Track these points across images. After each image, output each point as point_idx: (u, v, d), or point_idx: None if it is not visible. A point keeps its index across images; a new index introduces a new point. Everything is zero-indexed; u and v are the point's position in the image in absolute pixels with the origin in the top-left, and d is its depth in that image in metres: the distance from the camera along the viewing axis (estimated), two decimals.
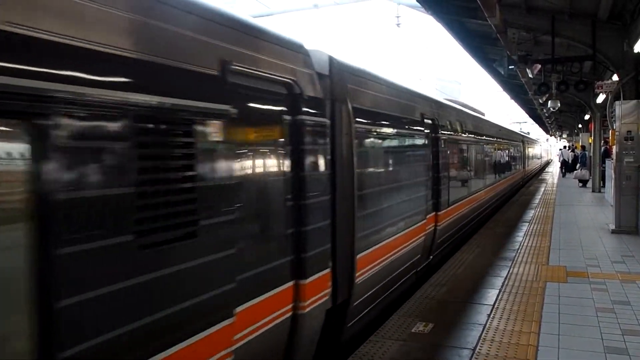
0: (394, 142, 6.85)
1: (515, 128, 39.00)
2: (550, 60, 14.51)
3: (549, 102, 18.94)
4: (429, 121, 8.45)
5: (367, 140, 5.79)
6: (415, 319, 5.77)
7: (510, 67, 15.93)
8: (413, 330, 5.41)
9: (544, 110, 30.97)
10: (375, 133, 6.00)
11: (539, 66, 15.49)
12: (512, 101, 37.18)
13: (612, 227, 11.23)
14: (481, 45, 18.10)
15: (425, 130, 8.12)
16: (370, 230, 5.70)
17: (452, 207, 9.74)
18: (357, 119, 5.32)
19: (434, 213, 8.56)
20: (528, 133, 47.14)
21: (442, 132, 9.22)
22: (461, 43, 16.85)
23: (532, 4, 12.87)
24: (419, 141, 7.87)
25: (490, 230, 12.02)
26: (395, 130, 6.81)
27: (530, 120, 56.54)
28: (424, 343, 5.10)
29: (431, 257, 8.68)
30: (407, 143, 7.37)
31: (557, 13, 13.01)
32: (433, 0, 13.43)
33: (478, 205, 13.18)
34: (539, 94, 18.29)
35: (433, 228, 8.50)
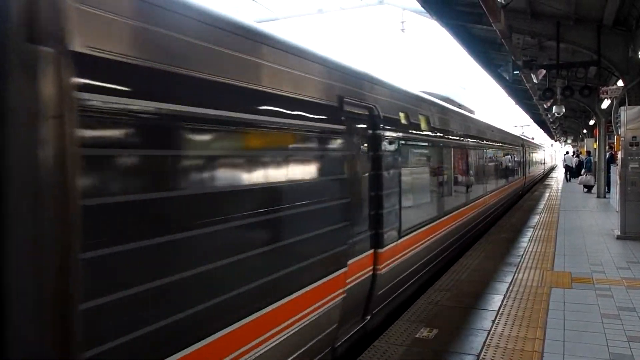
0: (251, 140, 3.60)
1: (518, 132, 38.05)
2: (555, 66, 14.51)
3: (554, 107, 18.97)
4: (360, 110, 5.51)
5: (141, 133, 2.61)
6: (419, 324, 5.76)
7: (515, 72, 15.97)
8: (417, 336, 5.40)
9: (549, 116, 31.01)
10: (183, 119, 2.86)
11: (544, 71, 15.53)
12: (516, 105, 37.14)
13: (617, 232, 11.18)
14: (486, 51, 18.12)
15: (348, 123, 5.02)
16: (168, 330, 2.70)
17: (406, 238, 6.75)
18: (97, 82, 2.37)
19: (371, 251, 5.64)
20: (533, 138, 46.69)
21: (388, 127, 6.22)
22: (466, 48, 16.86)
23: (537, 9, 12.88)
24: (330, 140, 4.67)
25: (495, 236, 11.98)
26: (249, 117, 3.52)
27: (534, 124, 56.35)
28: (428, 349, 5.08)
29: (368, 317, 5.80)
30: (292, 142, 4.11)
31: (562, 18, 13.02)
32: (438, 5, 13.46)
33: (454, 229, 9.94)
34: (543, 99, 18.29)
35: (370, 275, 5.63)
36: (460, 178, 10.91)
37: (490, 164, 14.81)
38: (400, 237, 6.48)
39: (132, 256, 2.51)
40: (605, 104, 18.81)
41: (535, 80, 17.13)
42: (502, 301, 6.54)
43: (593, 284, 7.30)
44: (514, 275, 7.86)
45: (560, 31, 13.16)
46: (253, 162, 3.60)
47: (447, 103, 10.77)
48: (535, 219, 14.73)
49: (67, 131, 2.22)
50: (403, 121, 6.93)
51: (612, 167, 17.49)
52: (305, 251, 4.23)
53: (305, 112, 4.32)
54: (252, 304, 3.45)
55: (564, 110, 19.34)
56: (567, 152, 38.92)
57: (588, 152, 27.49)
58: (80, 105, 2.27)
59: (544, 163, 48.27)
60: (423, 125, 8.01)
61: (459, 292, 7.08)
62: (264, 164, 3.72)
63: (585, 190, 23.49)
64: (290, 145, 4.10)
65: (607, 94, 14.89)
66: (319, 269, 4.40)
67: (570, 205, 18.23)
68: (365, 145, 5.70)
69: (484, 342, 5.18)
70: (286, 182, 3.96)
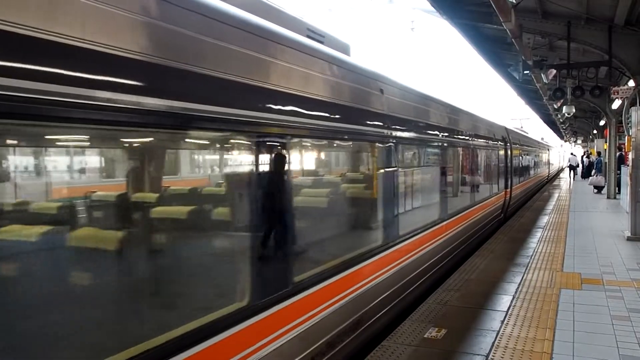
0: None
1: (515, 125, 28.28)
2: (566, 66, 14.42)
3: (564, 107, 18.82)
4: None
5: None
6: (428, 324, 5.76)
7: (525, 72, 15.87)
8: (426, 336, 5.40)
9: (559, 116, 30.75)
10: None
11: (554, 71, 15.43)
12: (521, 102, 36.83)
13: (628, 234, 11.11)
14: (496, 50, 18.04)
15: None
16: None
17: None
18: None
19: None
20: (543, 138, 45.65)
21: None
22: (476, 48, 16.80)
23: (547, 9, 12.80)
24: None
25: (504, 236, 11.94)
26: None
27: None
28: (437, 349, 5.08)
29: None
30: None
31: (573, 18, 12.93)
32: (448, 5, 13.42)
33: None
34: (553, 99, 18.16)
35: None
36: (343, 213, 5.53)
37: (412, 175, 7.53)
38: None
39: None
40: (616, 104, 18.66)
41: (545, 80, 17.04)
42: (511, 302, 6.53)
43: (603, 285, 7.26)
44: (523, 276, 7.83)
45: (571, 31, 13.08)
46: None
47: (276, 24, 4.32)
48: (544, 219, 14.66)
49: None
50: None
51: (622, 167, 17.37)
52: None
53: None
54: None
55: (574, 110, 19.18)
56: (572, 154, 40.15)
57: (598, 153, 27.28)
58: None
59: (549, 165, 39.44)
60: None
61: (468, 292, 7.07)
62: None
63: (596, 191, 23.38)
64: None
65: (618, 94, 14.77)
66: None
67: (580, 206, 18.12)
68: None
69: (493, 342, 5.17)
70: None
